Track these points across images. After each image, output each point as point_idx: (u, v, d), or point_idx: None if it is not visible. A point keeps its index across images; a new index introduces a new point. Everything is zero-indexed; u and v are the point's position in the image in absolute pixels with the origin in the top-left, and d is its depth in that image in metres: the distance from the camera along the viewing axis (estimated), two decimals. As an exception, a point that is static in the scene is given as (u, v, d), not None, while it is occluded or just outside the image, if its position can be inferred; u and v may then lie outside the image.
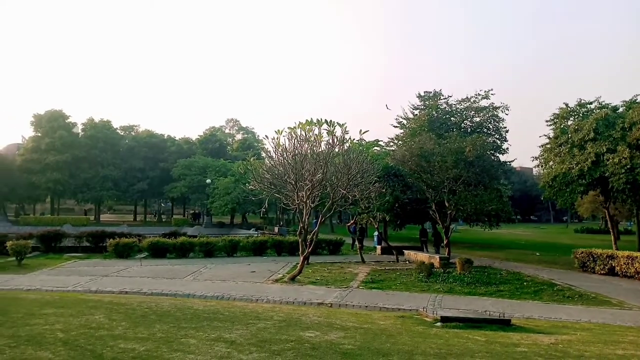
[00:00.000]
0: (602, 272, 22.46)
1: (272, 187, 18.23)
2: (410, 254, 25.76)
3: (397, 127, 45.48)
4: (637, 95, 29.05)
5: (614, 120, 27.09)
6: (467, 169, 25.58)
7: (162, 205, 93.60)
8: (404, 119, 44.87)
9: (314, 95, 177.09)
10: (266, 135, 19.96)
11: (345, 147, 18.26)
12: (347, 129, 17.51)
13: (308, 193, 17.64)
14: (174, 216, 78.47)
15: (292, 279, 17.50)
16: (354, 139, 19.15)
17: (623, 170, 25.04)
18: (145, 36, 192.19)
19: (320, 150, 17.64)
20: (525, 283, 18.41)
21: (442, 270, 20.52)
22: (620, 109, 28.86)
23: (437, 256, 22.99)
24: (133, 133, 72.52)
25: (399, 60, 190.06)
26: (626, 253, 22.54)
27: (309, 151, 17.61)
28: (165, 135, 74.02)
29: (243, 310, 10.26)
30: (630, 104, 28.41)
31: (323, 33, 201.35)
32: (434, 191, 25.38)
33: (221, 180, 52.26)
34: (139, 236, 26.94)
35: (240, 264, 22.28)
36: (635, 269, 21.06)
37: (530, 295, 16.15)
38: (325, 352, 6.24)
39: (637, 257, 21.57)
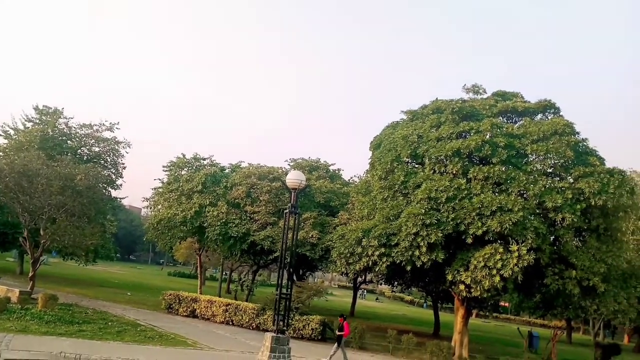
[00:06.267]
0: (185, 313, 24.36)
1: None
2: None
3: (1, 135, 38.98)
4: (242, 161, 34.51)
5: (220, 179, 30.88)
6: (75, 198, 23.92)
7: None
8: (12, 128, 39.01)
9: None
10: None
11: None
12: None
13: None
14: None
15: None
16: None
17: (219, 223, 28.54)
18: None
19: None
20: (110, 323, 18.24)
21: (20, 307, 18.14)
22: (227, 170, 33.22)
23: (16, 290, 20.13)
24: None
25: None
26: (207, 297, 25.28)
27: None
28: None
29: None
30: (235, 167, 33.18)
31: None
32: (30, 216, 22.57)
33: None
34: None
35: None
36: (213, 312, 23.78)
37: (112, 336, 16.09)
38: None
39: (215, 301, 24.48)
